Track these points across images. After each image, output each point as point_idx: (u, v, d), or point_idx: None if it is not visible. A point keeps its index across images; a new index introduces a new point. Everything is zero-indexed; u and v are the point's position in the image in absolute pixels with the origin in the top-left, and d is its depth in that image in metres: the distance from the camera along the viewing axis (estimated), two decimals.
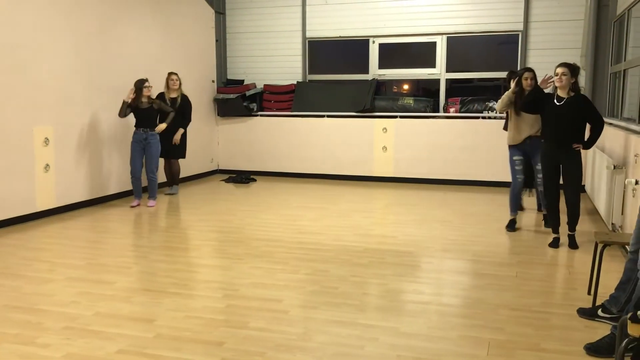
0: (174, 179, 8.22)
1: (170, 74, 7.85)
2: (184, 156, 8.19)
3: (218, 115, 10.08)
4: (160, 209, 7.26)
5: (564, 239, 5.44)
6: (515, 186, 6.09)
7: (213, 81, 10.02)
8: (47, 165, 6.64)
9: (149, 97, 7.27)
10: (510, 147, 6.07)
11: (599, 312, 3.63)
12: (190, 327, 3.55)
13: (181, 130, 7.86)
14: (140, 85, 7.17)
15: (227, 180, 9.44)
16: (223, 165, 10.26)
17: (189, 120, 8.06)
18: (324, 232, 5.97)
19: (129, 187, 7.89)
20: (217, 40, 10.08)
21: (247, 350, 3.24)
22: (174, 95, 7.85)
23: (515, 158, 6.03)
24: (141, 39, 8.18)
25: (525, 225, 6.32)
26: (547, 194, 5.44)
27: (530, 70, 5.88)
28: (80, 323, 3.61)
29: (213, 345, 3.30)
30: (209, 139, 9.92)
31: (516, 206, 6.15)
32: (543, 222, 6.20)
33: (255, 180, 9.51)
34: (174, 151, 8.00)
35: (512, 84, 5.80)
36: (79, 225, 6.35)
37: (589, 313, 3.69)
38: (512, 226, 6.07)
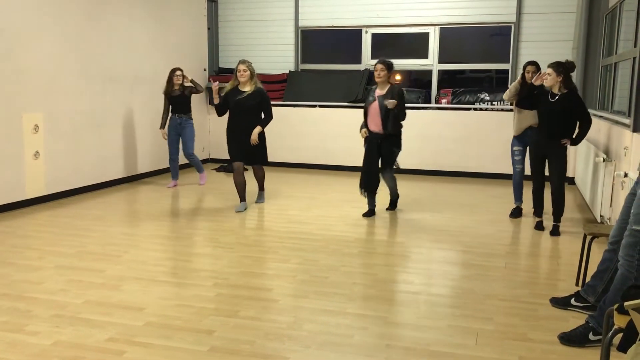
0: (259, 185, 7.09)
1: (239, 63, 6.46)
2: (265, 162, 6.79)
3: (209, 104, 10.03)
4: (151, 197, 7.24)
5: (547, 223, 5.68)
6: (515, 175, 6.31)
7: (205, 70, 9.97)
8: (37, 152, 6.59)
9: (180, 84, 7.63)
10: (513, 137, 6.29)
11: (572, 301, 3.69)
12: (180, 316, 3.55)
13: (259, 128, 6.46)
14: (170, 74, 7.66)
15: (218, 169, 9.42)
16: (214, 154, 10.23)
17: (270, 117, 6.56)
18: (314, 222, 5.98)
19: (120, 175, 7.90)
20: (209, 29, 10.02)
21: (236, 338, 3.25)
22: (245, 89, 6.43)
23: (515, 149, 6.27)
24: (132, 26, 8.12)
25: (515, 217, 6.35)
26: (533, 181, 5.72)
27: (534, 63, 6.03)
28: (70, 311, 3.61)
29: (203, 333, 3.31)
30: (200, 128, 9.86)
31: (519, 195, 6.34)
32: (533, 209, 6.24)
33: (246, 169, 9.48)
34: (254, 156, 6.65)
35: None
36: (69, 213, 6.32)
37: (561, 302, 3.74)
38: (515, 214, 6.32)
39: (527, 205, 6.56)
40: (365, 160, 6.23)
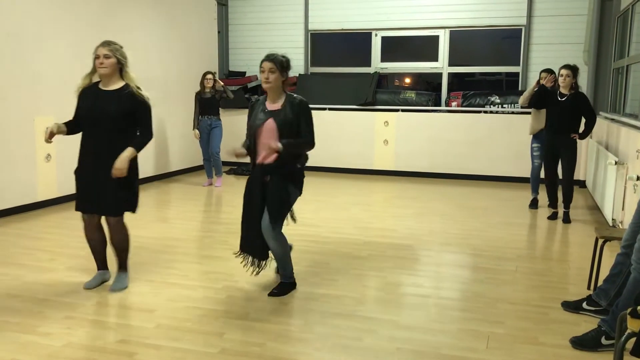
0: (119, 260, 4.11)
1: (98, 46, 4.33)
2: (132, 209, 4.02)
3: (219, 107, 10.05)
4: (161, 199, 7.26)
5: (560, 213, 6.25)
6: (533, 170, 6.85)
7: (215, 73, 10.00)
8: (49, 155, 6.64)
9: (212, 87, 7.96)
10: (532, 137, 6.84)
11: (584, 305, 3.67)
12: (191, 318, 3.56)
13: (130, 152, 3.86)
14: (202, 78, 8.03)
15: (228, 172, 9.44)
16: (224, 157, 10.21)
17: (148, 135, 4.08)
18: (323, 225, 5.98)
19: None
20: (219, 32, 10.06)
21: (246, 341, 3.25)
22: (110, 87, 4.15)
23: (534, 145, 6.84)
24: (142, 29, 8.17)
25: (525, 220, 6.33)
26: (546, 175, 6.28)
27: (549, 71, 6.58)
28: (81, 313, 3.63)
29: (213, 335, 3.32)
30: None
31: (536, 187, 6.88)
32: (548, 201, 6.42)
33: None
34: (113, 200, 3.91)
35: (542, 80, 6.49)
36: (79, 215, 6.33)
37: (573, 306, 3.72)
38: (534, 205, 6.85)
39: (542, 199, 6.62)
40: (245, 208, 4.02)
